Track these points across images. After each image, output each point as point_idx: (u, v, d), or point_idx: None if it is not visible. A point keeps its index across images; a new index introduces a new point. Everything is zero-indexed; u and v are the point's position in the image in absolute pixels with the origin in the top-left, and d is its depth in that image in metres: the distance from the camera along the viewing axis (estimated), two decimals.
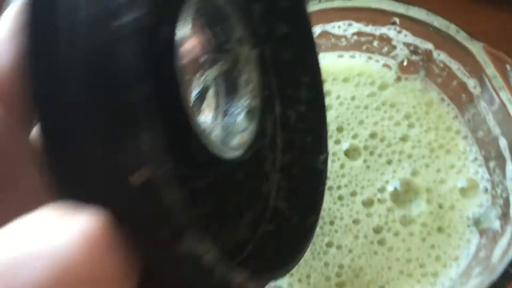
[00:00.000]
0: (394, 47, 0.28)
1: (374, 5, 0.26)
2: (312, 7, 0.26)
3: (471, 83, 0.26)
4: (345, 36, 0.28)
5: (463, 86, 0.27)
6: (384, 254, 0.26)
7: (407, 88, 0.28)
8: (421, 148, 0.27)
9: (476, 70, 0.26)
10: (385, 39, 0.28)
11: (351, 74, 0.29)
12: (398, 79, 0.29)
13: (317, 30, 0.27)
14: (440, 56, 0.26)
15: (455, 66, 0.26)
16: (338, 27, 0.27)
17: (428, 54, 0.27)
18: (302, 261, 0.25)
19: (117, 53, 0.09)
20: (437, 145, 0.27)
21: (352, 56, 0.29)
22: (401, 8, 0.26)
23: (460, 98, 0.27)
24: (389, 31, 0.27)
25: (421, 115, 0.28)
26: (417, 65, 0.28)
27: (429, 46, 0.27)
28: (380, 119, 0.28)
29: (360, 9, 0.26)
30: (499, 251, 0.23)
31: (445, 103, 0.28)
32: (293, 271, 0.25)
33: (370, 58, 0.29)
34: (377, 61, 0.29)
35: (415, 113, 0.28)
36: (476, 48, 0.25)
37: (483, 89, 0.25)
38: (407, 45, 0.27)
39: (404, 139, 0.27)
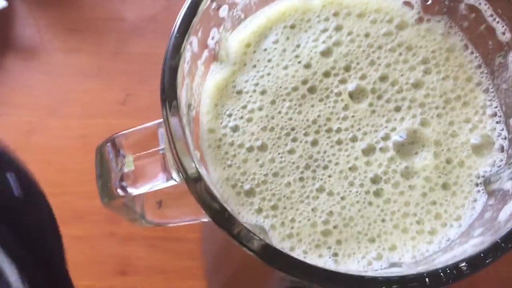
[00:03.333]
0: None
1: None
2: None
3: (500, 28, 0.23)
4: None
5: (491, 32, 0.24)
6: (379, 205, 0.23)
7: (428, 30, 0.25)
8: (435, 97, 0.25)
9: (508, 13, 0.23)
10: None
11: (367, 9, 0.26)
12: (420, 20, 0.26)
13: None
14: None
15: (485, 7, 0.23)
16: None
17: None
18: (287, 203, 0.23)
19: None
20: (454, 96, 0.25)
21: None
22: None
23: (486, 46, 0.24)
24: None
25: (440, 61, 0.25)
26: (443, 5, 0.25)
27: None
28: (394, 62, 0.25)
29: None
30: (507, 211, 0.20)
31: (469, 50, 0.25)
32: (277, 212, 0.23)
33: None
34: None
35: (433, 58, 0.25)
36: None
37: None
38: None
39: (417, 85, 0.25)
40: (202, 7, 0.21)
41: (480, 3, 0.23)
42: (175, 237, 0.42)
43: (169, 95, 0.21)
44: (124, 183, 0.24)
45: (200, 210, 0.23)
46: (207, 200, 0.20)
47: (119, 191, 0.24)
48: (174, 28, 0.21)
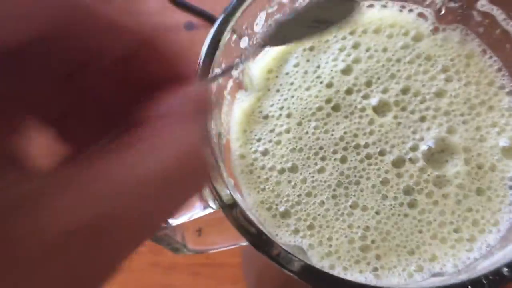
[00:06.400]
0: None
1: None
2: None
3: None
4: None
5: (507, 35, 0.24)
6: (415, 217, 0.23)
7: (444, 39, 0.26)
8: (459, 105, 0.25)
9: None
10: None
11: (382, 25, 0.27)
12: (435, 30, 0.26)
13: None
14: (482, 2, 0.24)
15: (498, 12, 0.23)
16: None
17: (468, 1, 0.24)
18: (323, 222, 0.24)
19: None
20: (478, 101, 0.25)
21: (384, 6, 0.27)
22: None
23: (504, 49, 0.24)
24: None
25: (460, 68, 0.25)
26: (456, 13, 0.25)
27: None
28: (414, 73, 0.26)
29: None
30: None
31: (487, 55, 0.25)
32: (314, 232, 0.24)
33: (403, 7, 0.27)
34: (411, 10, 0.27)
35: (453, 66, 0.25)
36: None
37: None
38: None
39: (440, 94, 0.25)
40: (223, 41, 0.22)
41: (492, 9, 0.24)
42: (216, 263, 0.43)
43: None
44: None
45: (239, 234, 0.23)
46: (244, 225, 0.20)
47: None
48: (199, 62, 0.22)
